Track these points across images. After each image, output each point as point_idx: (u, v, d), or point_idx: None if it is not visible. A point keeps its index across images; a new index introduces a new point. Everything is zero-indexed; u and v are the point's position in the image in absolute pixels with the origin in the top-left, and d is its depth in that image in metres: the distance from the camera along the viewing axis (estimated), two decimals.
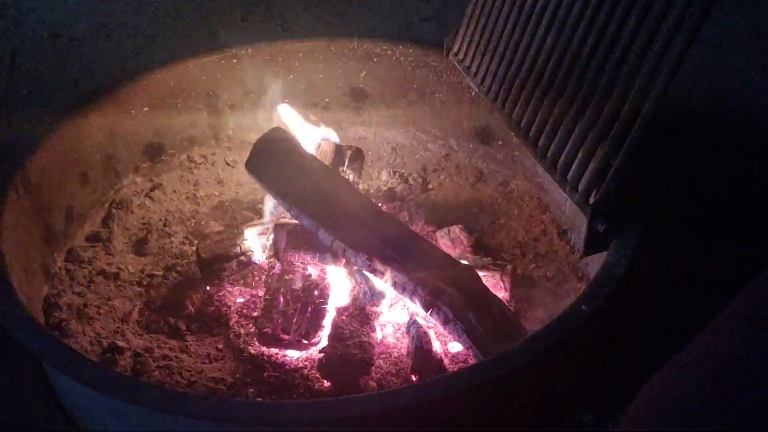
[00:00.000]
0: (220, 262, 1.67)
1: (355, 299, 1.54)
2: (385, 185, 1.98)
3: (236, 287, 1.64)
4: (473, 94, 1.83)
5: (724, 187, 1.87)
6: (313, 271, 1.57)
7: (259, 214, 1.81)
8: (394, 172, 2.00)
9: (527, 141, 1.48)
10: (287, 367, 1.45)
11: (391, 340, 1.51)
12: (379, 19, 2.65)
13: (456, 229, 1.74)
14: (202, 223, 1.85)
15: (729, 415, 0.71)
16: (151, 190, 1.90)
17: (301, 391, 1.40)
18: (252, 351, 1.49)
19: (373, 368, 1.42)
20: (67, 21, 2.67)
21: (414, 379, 1.41)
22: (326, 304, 1.52)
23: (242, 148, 1.99)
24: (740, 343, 0.77)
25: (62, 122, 1.70)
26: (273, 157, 1.63)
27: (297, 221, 1.59)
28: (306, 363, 1.46)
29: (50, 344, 1.22)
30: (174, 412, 1.09)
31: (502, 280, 1.59)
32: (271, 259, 1.65)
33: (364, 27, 2.60)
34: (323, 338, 1.47)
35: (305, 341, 1.47)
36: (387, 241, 1.48)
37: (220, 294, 1.63)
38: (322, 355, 1.43)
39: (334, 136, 1.77)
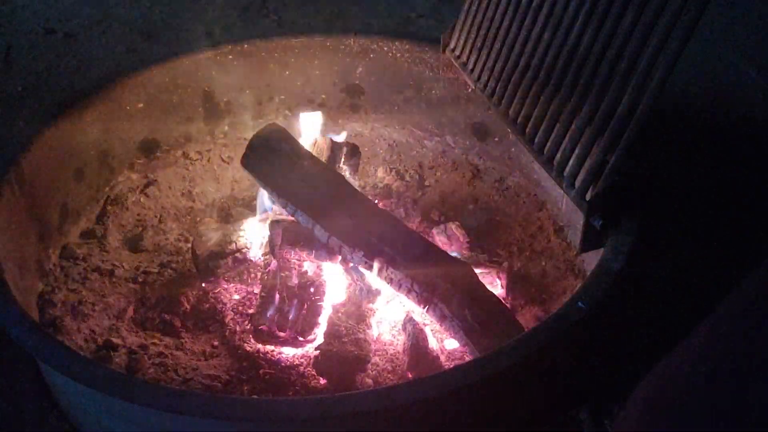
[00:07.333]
0: (215, 259, 1.67)
1: (351, 296, 1.54)
2: (381, 182, 1.97)
3: (232, 284, 1.64)
4: (470, 90, 1.82)
5: (720, 182, 1.87)
6: (309, 267, 1.57)
7: (255, 210, 1.80)
8: (391, 169, 2.00)
9: (524, 137, 1.47)
10: (283, 364, 1.45)
11: (387, 337, 1.50)
12: (375, 16, 2.65)
13: (452, 226, 1.74)
14: (198, 219, 1.85)
15: (725, 413, 0.71)
16: (146, 186, 1.89)
17: (297, 388, 1.39)
18: (248, 348, 1.49)
19: (369, 365, 1.42)
20: (62, 17, 2.65)
21: (410, 376, 1.40)
22: (322, 301, 1.51)
23: (238, 145, 1.98)
24: (736, 340, 0.77)
25: (57, 118, 1.69)
26: (269, 154, 1.62)
27: (293, 218, 1.59)
28: (302, 360, 1.45)
29: (44, 341, 1.21)
30: (169, 409, 1.09)
31: (499, 277, 1.59)
32: (267, 256, 1.65)
33: (360, 23, 2.59)
34: (319, 335, 1.47)
35: (301, 338, 1.46)
36: (383, 238, 1.48)
37: (216, 291, 1.62)
38: (317, 352, 1.43)
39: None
